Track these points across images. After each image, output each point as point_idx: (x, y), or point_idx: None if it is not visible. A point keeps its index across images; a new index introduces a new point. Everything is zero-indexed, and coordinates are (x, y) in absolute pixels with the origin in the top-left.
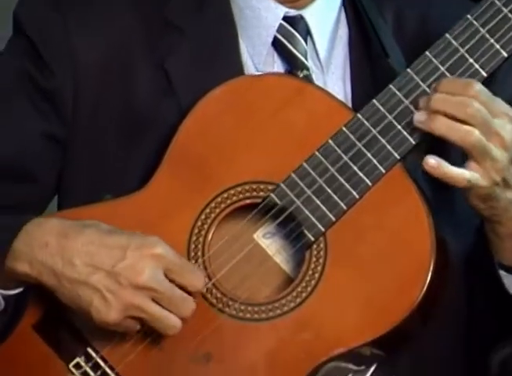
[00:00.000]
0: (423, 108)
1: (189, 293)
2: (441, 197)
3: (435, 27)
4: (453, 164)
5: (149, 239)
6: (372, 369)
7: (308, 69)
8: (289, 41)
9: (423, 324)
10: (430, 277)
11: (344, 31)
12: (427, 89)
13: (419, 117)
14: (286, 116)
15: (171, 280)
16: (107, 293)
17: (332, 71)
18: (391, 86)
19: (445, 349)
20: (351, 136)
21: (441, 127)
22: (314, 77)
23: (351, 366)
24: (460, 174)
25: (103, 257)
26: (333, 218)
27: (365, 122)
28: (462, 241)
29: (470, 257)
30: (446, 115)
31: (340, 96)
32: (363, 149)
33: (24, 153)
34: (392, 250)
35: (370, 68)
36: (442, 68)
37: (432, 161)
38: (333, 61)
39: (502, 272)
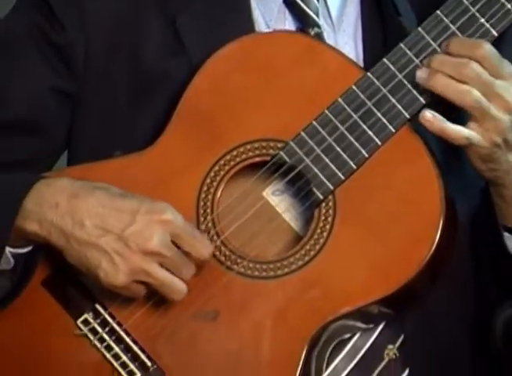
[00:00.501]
0: (425, 66)
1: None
2: (450, 159)
3: None
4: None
5: (158, 204)
6: (380, 327)
7: (319, 27)
8: None
9: (431, 283)
10: (439, 237)
11: None
12: (438, 48)
13: (420, 74)
14: (297, 74)
15: (178, 246)
16: (116, 256)
17: (343, 29)
18: (401, 45)
19: (452, 308)
20: (361, 95)
21: (439, 85)
22: (325, 35)
23: (359, 324)
24: (458, 131)
25: (113, 220)
26: (342, 177)
27: (376, 81)
28: (470, 204)
29: (475, 219)
30: (448, 75)
31: (352, 55)
32: (373, 108)
33: (34, 107)
34: (401, 209)
35: (382, 27)
36: (453, 27)
37: (428, 115)
38: (344, 19)
39: (506, 235)
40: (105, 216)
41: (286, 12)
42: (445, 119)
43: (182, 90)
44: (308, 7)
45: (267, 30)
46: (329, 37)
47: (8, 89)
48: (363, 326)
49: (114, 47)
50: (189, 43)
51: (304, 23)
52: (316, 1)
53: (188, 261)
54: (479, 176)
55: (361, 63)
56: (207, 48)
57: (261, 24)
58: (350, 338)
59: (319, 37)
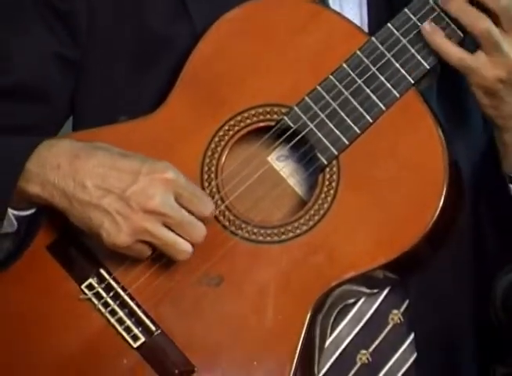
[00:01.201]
0: None
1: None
2: (454, 123)
3: None
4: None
5: (160, 163)
6: (385, 292)
7: None
8: None
9: (436, 249)
10: (443, 202)
11: None
12: (442, 13)
13: None
14: (301, 39)
15: (181, 206)
16: (118, 216)
17: None
18: (406, 10)
19: (456, 273)
20: (366, 60)
21: (455, 7)
22: (330, 2)
23: (363, 289)
24: (457, 51)
25: (115, 180)
26: (347, 142)
27: (380, 46)
28: (474, 165)
29: (479, 172)
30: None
31: (356, 21)
32: (377, 72)
33: (37, 73)
34: (405, 174)
35: None
36: None
37: (427, 26)
38: None
39: (511, 186)
40: (106, 176)
41: None
42: (443, 34)
43: (187, 56)
44: None
45: None
46: (334, 3)
47: (10, 55)
48: (368, 291)
49: (118, 14)
50: (194, 10)
51: None
52: None
53: (195, 221)
54: (485, 139)
55: (365, 29)
56: (212, 16)
57: None
58: (355, 303)
59: (324, 3)
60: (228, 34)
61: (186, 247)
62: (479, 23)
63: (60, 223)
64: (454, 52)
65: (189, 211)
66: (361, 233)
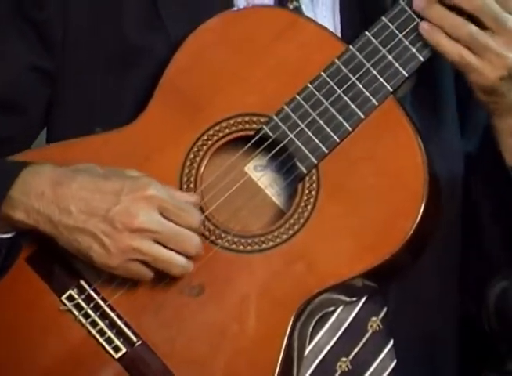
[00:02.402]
0: None
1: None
2: (428, 125)
3: None
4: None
5: (141, 181)
6: (363, 300)
7: (297, 0)
8: None
9: (416, 256)
10: (423, 209)
11: None
12: (419, 20)
13: (417, 2)
14: (279, 49)
15: (169, 220)
16: (105, 237)
17: (322, 2)
18: (383, 18)
19: (435, 279)
20: (344, 68)
21: (435, 15)
22: (304, 8)
23: (342, 297)
24: (454, 46)
25: (98, 202)
26: (326, 150)
27: (358, 54)
28: (449, 170)
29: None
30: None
31: (330, 28)
32: (356, 81)
33: (13, 84)
34: (384, 182)
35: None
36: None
37: (425, 25)
38: None
39: None
40: (89, 200)
41: None
42: (441, 31)
43: (163, 65)
44: None
45: (247, 6)
46: (307, 11)
47: None
48: (347, 299)
49: (94, 24)
50: (168, 20)
51: None
52: None
53: (186, 232)
54: (459, 140)
55: (338, 34)
56: (185, 24)
57: (240, 0)
58: (333, 311)
59: (298, 10)
60: (205, 44)
61: (180, 260)
62: (460, 28)
63: (41, 238)
64: (454, 49)
65: (178, 225)
66: (341, 241)
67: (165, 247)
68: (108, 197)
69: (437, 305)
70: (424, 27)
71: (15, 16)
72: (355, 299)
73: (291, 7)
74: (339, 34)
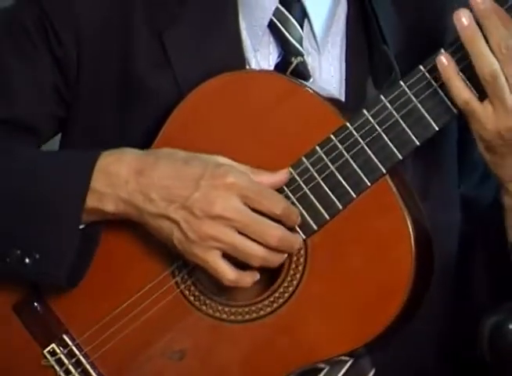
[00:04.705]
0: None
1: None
2: (430, 180)
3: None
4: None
5: (221, 168)
6: (347, 365)
7: (302, 55)
8: (283, 26)
9: (403, 327)
10: (409, 294)
11: (343, 9)
12: (419, 105)
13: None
14: (276, 118)
15: (251, 208)
16: (184, 224)
17: (328, 50)
18: (382, 97)
19: (424, 338)
20: (339, 145)
21: (467, 35)
22: (310, 58)
23: (324, 365)
24: (466, 92)
25: (178, 189)
26: (315, 227)
27: (354, 132)
28: (447, 220)
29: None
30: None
31: (336, 77)
32: (350, 159)
33: (35, 111)
34: (372, 264)
35: (368, 48)
36: (435, 84)
37: (443, 59)
38: (330, 40)
39: None
40: (170, 187)
41: (271, 36)
42: (457, 70)
43: (167, 108)
44: (291, 34)
45: (249, 69)
46: (313, 60)
47: (13, 87)
48: (329, 366)
49: (103, 55)
50: (174, 57)
51: (287, 50)
52: (300, 29)
53: (267, 222)
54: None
55: (344, 84)
56: (192, 65)
57: (247, 46)
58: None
59: (302, 65)
60: (203, 105)
61: (257, 250)
62: (486, 62)
63: (28, 284)
64: (463, 92)
65: (260, 213)
66: (325, 320)
67: (247, 237)
68: (188, 183)
69: (426, 363)
70: (442, 60)
71: (43, 48)
72: (337, 367)
73: (295, 62)
74: (344, 83)
